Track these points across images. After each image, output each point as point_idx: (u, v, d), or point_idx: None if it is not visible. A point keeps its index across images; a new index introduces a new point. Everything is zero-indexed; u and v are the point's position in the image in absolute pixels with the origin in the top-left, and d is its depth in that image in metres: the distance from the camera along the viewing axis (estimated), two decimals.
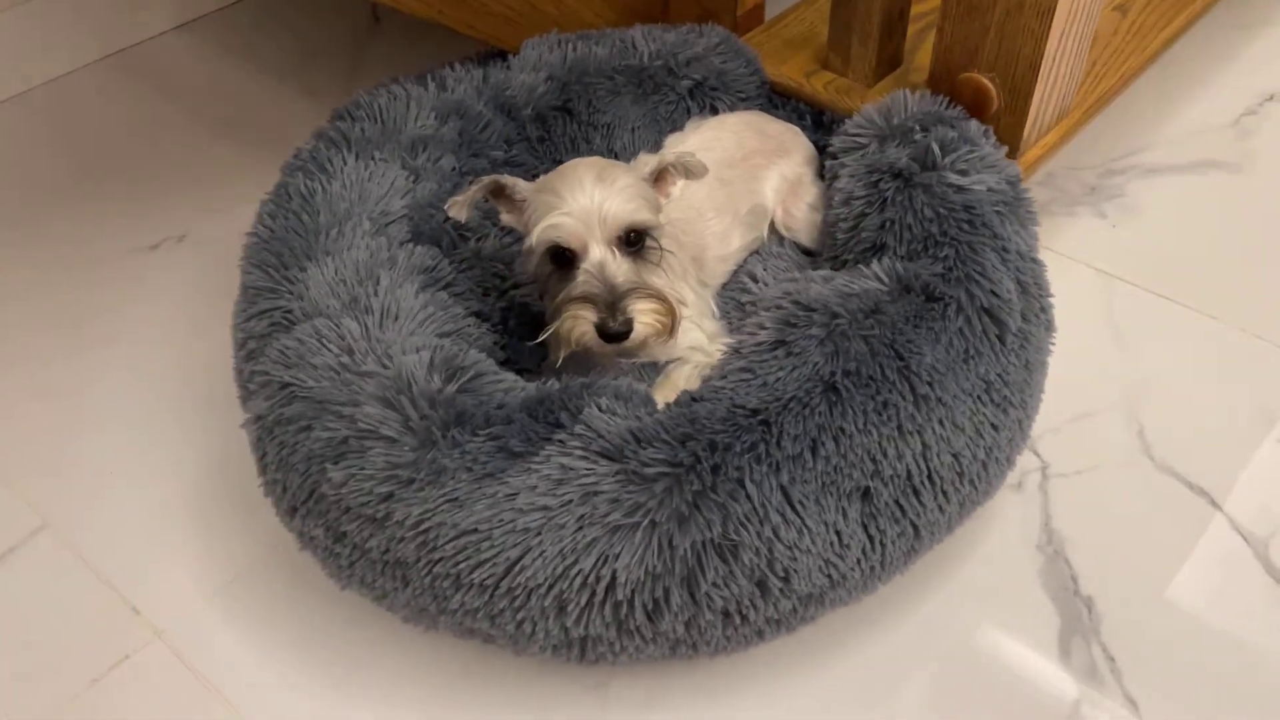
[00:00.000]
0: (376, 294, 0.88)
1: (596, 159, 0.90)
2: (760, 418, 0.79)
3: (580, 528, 0.77)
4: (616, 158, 1.13)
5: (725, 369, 0.85)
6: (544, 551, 0.77)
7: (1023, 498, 1.03)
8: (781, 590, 0.80)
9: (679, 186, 0.94)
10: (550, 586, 0.77)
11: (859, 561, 0.83)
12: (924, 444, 0.83)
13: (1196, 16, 1.25)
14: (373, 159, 1.00)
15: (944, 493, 0.85)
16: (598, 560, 0.76)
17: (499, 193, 0.90)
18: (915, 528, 0.84)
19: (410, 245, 0.95)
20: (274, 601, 0.98)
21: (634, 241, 0.86)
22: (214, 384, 1.17)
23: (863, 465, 0.81)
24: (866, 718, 0.88)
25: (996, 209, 0.94)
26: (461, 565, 0.78)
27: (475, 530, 0.78)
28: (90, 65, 1.65)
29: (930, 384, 0.83)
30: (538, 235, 0.85)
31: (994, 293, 0.89)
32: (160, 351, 1.21)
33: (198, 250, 1.35)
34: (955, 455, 0.85)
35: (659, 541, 0.76)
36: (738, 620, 0.81)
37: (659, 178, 0.92)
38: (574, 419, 0.80)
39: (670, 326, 0.86)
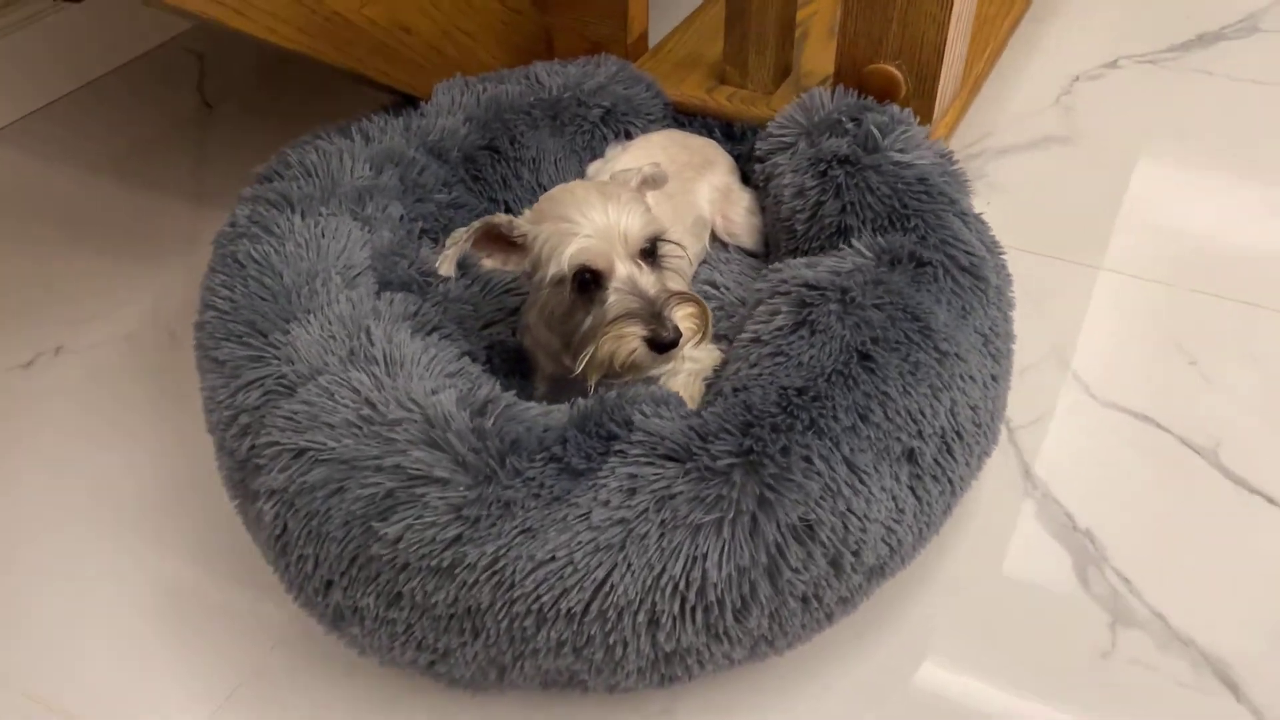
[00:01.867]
0: (374, 343, 0.83)
1: (583, 182, 0.87)
2: (810, 394, 0.79)
3: (663, 534, 0.73)
4: (544, 189, 1.11)
5: (751, 357, 0.84)
6: (631, 565, 0.73)
7: (998, 452, 1.07)
8: (853, 566, 0.79)
9: (650, 198, 0.93)
10: (642, 601, 0.73)
11: (911, 526, 0.83)
12: (952, 400, 0.84)
13: (1028, 4, 1.36)
14: (320, 215, 0.94)
15: (969, 445, 0.87)
16: (686, 563, 0.73)
17: (484, 237, 0.86)
18: (951, 484, 0.86)
19: (388, 294, 0.90)
20: (290, 701, 0.88)
21: (650, 252, 0.85)
22: (141, 491, 1.06)
23: (907, 427, 0.81)
24: (923, 680, 0.88)
25: (944, 179, 0.98)
26: (544, 598, 0.73)
27: (553, 558, 0.73)
28: None
29: (947, 340, 0.85)
30: (568, 262, 0.81)
31: (969, 252, 0.92)
32: (69, 470, 1.09)
33: (79, 360, 1.22)
34: (974, 408, 0.87)
35: (743, 533, 0.74)
36: (814, 604, 0.79)
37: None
38: (627, 427, 0.77)
39: (706, 327, 0.84)
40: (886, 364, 0.81)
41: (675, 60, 1.27)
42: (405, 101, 1.10)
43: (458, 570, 0.73)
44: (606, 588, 0.73)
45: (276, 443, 0.78)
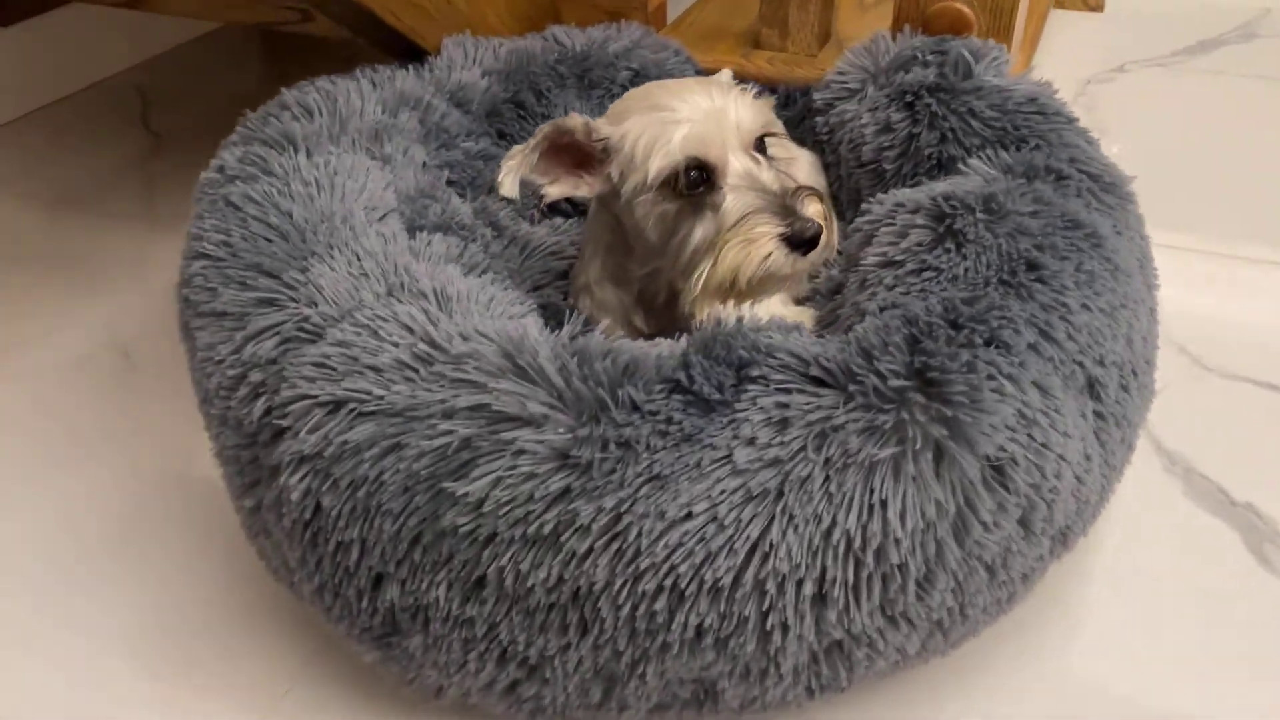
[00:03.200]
0: (418, 279, 0.65)
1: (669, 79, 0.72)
2: (983, 304, 0.63)
3: (829, 476, 0.56)
4: None
5: (886, 279, 0.68)
6: (793, 518, 0.55)
7: None
8: (1044, 524, 0.62)
9: None
10: (808, 566, 0.55)
11: (1096, 480, 0.67)
12: (1129, 324, 0.69)
13: None
14: (330, 153, 0.76)
15: (1142, 385, 0.71)
16: (862, 513, 0.55)
17: (550, 152, 0.70)
18: (1130, 429, 0.70)
19: (424, 235, 0.72)
20: None
21: (760, 148, 0.69)
22: (111, 516, 0.85)
23: (1090, 351, 0.65)
24: (1104, 685, 0.71)
25: (1053, 100, 0.85)
26: (681, 568, 0.54)
27: (690, 514, 0.55)
28: None
29: (1115, 252, 0.70)
30: (679, 149, 0.65)
31: (1105, 169, 0.78)
32: (23, 503, 0.87)
33: (27, 385, 1.01)
34: (1144, 339, 0.71)
35: (928, 471, 0.56)
36: (1001, 575, 0.62)
37: None
38: (762, 352, 0.60)
39: (832, 231, 0.68)
40: (1060, 273, 0.66)
41: (699, 31, 1.13)
42: (412, 55, 0.94)
43: (564, 537, 0.54)
44: (765, 548, 0.54)
45: (305, 396, 0.59)
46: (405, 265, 0.66)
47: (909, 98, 0.87)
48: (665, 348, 0.61)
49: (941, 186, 0.74)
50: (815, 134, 0.97)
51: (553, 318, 0.77)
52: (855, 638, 0.58)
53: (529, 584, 0.55)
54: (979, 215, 0.69)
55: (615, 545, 0.54)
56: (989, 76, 0.86)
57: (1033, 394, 0.60)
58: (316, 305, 0.63)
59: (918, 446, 0.56)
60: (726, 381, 0.58)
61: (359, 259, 0.66)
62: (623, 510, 0.54)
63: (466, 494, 0.55)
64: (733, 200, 0.65)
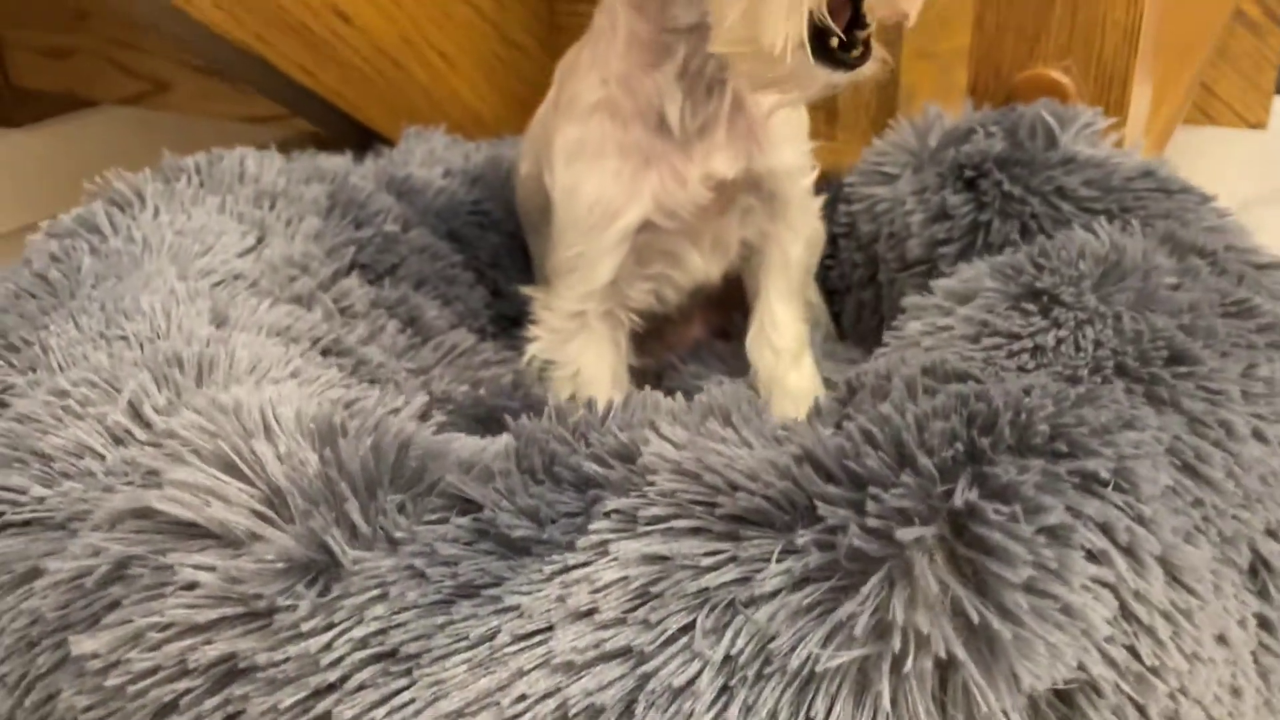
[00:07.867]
0: (190, 343, 0.44)
1: None
2: (1087, 400, 0.37)
3: (728, 686, 0.30)
4: None
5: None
6: None
7: None
8: None
9: None
10: None
11: None
12: None
13: None
14: (185, 215, 0.57)
15: None
16: None
17: None
18: None
19: (260, 301, 0.52)
20: None
21: None
22: None
23: (1258, 508, 0.39)
24: None
25: (1175, 175, 0.60)
26: None
27: None
28: None
29: None
30: None
31: (1260, 255, 0.52)
32: None
33: None
34: None
35: (922, 695, 0.30)
36: None
37: None
38: (624, 461, 0.35)
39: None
40: (1222, 372, 0.40)
41: None
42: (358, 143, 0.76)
43: None
44: None
45: None
46: (188, 329, 0.45)
47: (969, 173, 0.63)
48: (501, 442, 0.37)
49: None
50: (834, 224, 0.74)
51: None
52: None
53: None
54: (1085, 284, 0.44)
55: None
56: (1082, 145, 0.63)
57: (1153, 579, 0.33)
58: (35, 370, 0.43)
59: (913, 648, 0.30)
60: (562, 509, 0.34)
61: (125, 318, 0.46)
62: (317, 712, 0.30)
63: (89, 656, 0.32)
64: None
